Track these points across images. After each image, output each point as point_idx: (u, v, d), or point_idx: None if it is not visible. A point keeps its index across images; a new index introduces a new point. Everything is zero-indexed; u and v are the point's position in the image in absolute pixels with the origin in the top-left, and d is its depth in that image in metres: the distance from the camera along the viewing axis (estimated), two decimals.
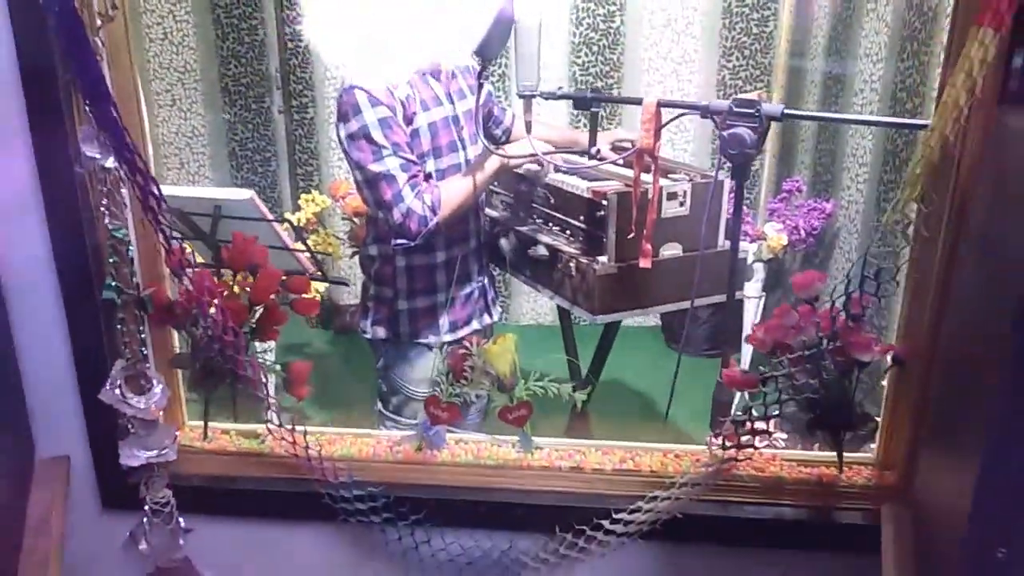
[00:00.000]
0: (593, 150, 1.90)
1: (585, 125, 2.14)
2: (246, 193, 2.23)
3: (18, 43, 1.34)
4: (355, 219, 2.80)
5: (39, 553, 1.41)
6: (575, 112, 3.30)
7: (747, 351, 2.80)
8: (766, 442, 1.44)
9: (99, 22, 1.35)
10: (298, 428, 1.52)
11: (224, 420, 1.66)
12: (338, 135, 1.82)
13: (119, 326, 1.49)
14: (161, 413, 1.55)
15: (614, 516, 1.48)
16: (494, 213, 2.19)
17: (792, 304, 1.42)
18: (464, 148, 1.93)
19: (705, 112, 1.55)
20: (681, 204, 1.88)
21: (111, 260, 1.46)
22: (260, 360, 1.57)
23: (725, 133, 1.50)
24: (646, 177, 1.66)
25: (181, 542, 1.60)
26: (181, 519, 1.59)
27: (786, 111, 1.52)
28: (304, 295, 1.68)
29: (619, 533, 1.48)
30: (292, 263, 2.30)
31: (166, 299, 1.53)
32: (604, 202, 1.82)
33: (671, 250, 1.89)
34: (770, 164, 3.35)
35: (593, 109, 1.87)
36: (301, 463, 1.53)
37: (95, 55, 1.33)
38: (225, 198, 2.21)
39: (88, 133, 1.37)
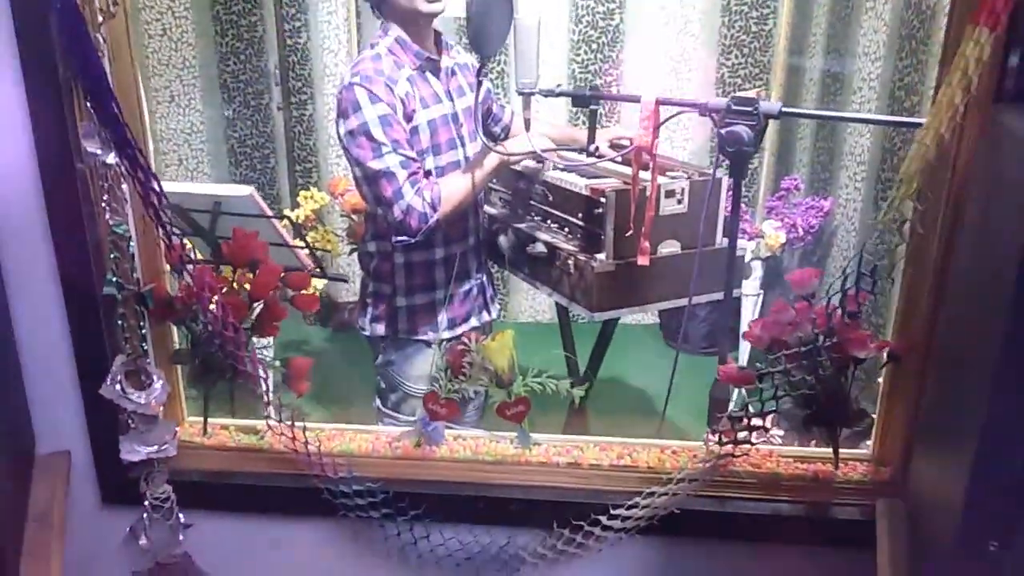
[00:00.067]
0: (592, 147, 1.91)
1: (584, 123, 2.15)
2: (246, 189, 2.24)
3: (20, 39, 1.34)
4: (354, 216, 2.80)
5: (40, 547, 1.41)
6: (574, 109, 3.31)
7: (745, 349, 2.82)
8: (763, 438, 1.45)
9: (100, 18, 1.36)
10: (297, 424, 1.53)
11: (223, 416, 1.66)
12: (338, 132, 1.83)
13: (119, 321, 1.50)
14: (161, 409, 1.55)
15: (612, 512, 1.49)
16: (493, 210, 2.19)
17: (789, 301, 1.43)
18: (463, 145, 1.94)
19: (703, 110, 1.56)
20: (679, 202, 1.89)
21: (112, 256, 1.46)
22: (259, 356, 1.58)
23: (723, 131, 1.51)
24: (644, 175, 1.67)
25: (181, 537, 1.61)
26: (181, 514, 1.59)
27: (784, 109, 1.53)
28: (304, 291, 1.69)
29: (616, 529, 1.49)
30: (291, 260, 2.31)
31: (166, 295, 1.54)
32: (602, 199, 1.83)
33: (669, 247, 1.90)
34: (768, 162, 3.36)
35: (592, 107, 1.88)
36: (300, 459, 1.54)
37: (96, 52, 1.34)
38: (225, 194, 2.22)
39: (89, 129, 1.37)
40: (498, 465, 1.58)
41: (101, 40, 1.37)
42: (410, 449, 1.60)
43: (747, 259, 2.90)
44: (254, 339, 1.59)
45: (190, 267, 1.47)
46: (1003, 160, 1.10)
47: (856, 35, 2.79)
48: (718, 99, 1.54)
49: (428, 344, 1.97)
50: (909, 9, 2.45)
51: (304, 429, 1.53)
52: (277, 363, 1.63)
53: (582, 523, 1.50)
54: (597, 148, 1.92)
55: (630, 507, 1.48)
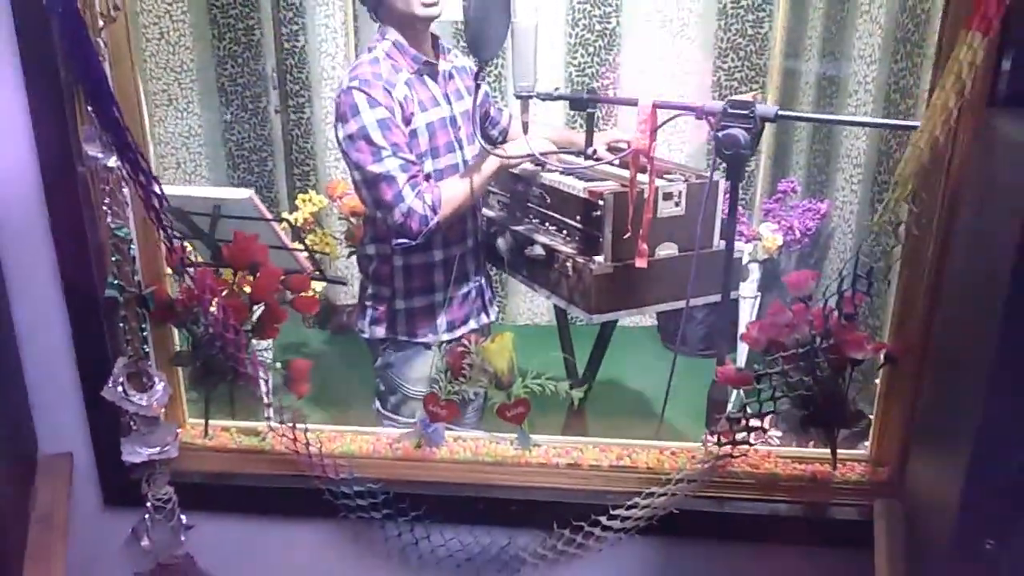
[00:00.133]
0: (589, 150, 1.92)
1: (581, 126, 2.16)
2: (245, 192, 2.24)
3: (21, 43, 1.35)
4: (352, 219, 2.81)
5: (43, 549, 1.42)
6: (571, 113, 3.32)
7: (743, 351, 2.83)
8: (761, 439, 1.46)
9: (101, 23, 1.36)
10: (298, 425, 1.54)
11: (224, 418, 1.67)
12: (336, 136, 1.83)
13: (121, 324, 1.50)
14: (163, 410, 1.56)
15: (611, 512, 1.49)
16: (491, 213, 2.20)
17: (786, 303, 1.44)
18: (461, 148, 1.95)
19: (700, 113, 1.57)
20: (677, 204, 1.90)
21: (113, 258, 1.47)
22: (260, 358, 1.59)
23: (720, 134, 1.52)
24: (642, 177, 1.67)
25: (182, 538, 1.61)
26: (182, 515, 1.60)
27: (780, 112, 1.54)
28: (304, 293, 1.69)
29: (616, 529, 1.50)
30: (290, 263, 2.31)
31: (167, 297, 1.54)
32: (600, 202, 1.84)
33: (667, 250, 1.91)
34: (765, 165, 3.37)
35: (589, 110, 1.88)
36: (301, 460, 1.54)
37: (98, 56, 1.35)
38: (224, 197, 2.22)
39: (90, 133, 1.38)
40: (498, 466, 1.59)
41: (102, 44, 1.37)
42: (410, 450, 1.61)
43: (744, 261, 2.91)
44: (254, 341, 1.60)
45: (191, 270, 1.48)
46: (996, 163, 1.12)
47: (851, 38, 2.81)
48: (714, 102, 1.55)
49: (427, 346, 1.98)
50: (904, 13, 2.46)
51: (305, 431, 1.54)
52: (278, 365, 1.63)
53: (582, 524, 1.51)
54: (595, 151, 1.93)
55: (629, 508, 1.49)
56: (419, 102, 1.85)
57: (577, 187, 1.93)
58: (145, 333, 1.54)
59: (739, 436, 1.44)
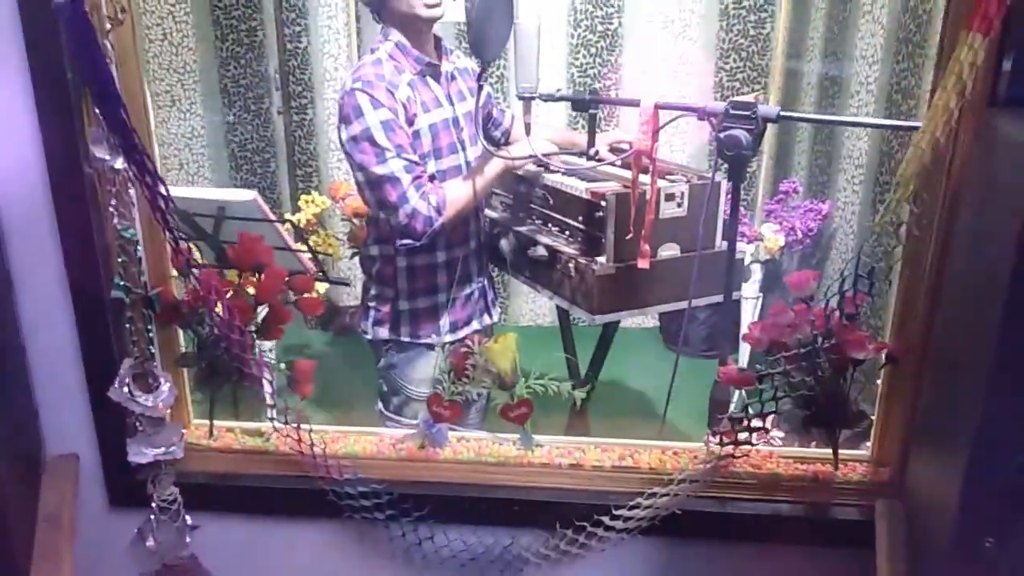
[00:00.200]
0: (592, 151, 1.92)
1: (583, 126, 2.17)
2: (249, 194, 2.25)
3: (29, 46, 1.36)
4: (355, 220, 2.82)
5: (50, 550, 1.43)
6: (573, 114, 3.33)
7: (745, 351, 2.83)
8: (763, 439, 1.46)
9: (108, 26, 1.37)
10: (302, 426, 1.54)
11: (228, 419, 1.68)
12: (339, 137, 1.84)
13: (127, 325, 1.51)
14: (168, 411, 1.57)
15: (614, 512, 1.50)
16: (494, 214, 2.21)
17: (788, 303, 1.45)
18: (464, 149, 1.96)
19: (702, 114, 1.57)
20: (679, 205, 1.90)
21: (119, 259, 1.48)
22: (264, 359, 1.60)
23: (722, 135, 1.52)
24: (644, 178, 1.68)
25: (188, 539, 1.62)
26: (188, 516, 1.61)
27: (782, 113, 1.55)
28: (308, 294, 1.70)
29: (619, 529, 1.50)
30: (294, 264, 2.32)
31: (173, 298, 1.55)
32: (603, 203, 1.84)
33: (669, 251, 1.91)
34: (767, 166, 3.38)
35: (591, 111, 1.89)
36: (306, 461, 1.55)
37: (105, 58, 1.35)
38: (228, 199, 2.23)
39: (97, 135, 1.39)
40: (501, 467, 1.60)
41: (109, 47, 1.38)
42: (414, 451, 1.61)
43: (746, 262, 2.91)
44: (258, 342, 1.60)
45: (196, 271, 1.49)
46: (997, 163, 1.12)
47: (853, 39, 2.81)
48: (716, 103, 1.55)
49: (430, 348, 1.98)
50: (906, 13, 2.46)
51: (309, 431, 1.54)
52: (282, 366, 1.64)
53: (584, 524, 1.51)
54: (597, 152, 1.94)
55: (632, 508, 1.50)
56: (422, 103, 1.86)
57: (579, 188, 1.93)
58: (151, 334, 1.55)
59: (741, 436, 1.45)
